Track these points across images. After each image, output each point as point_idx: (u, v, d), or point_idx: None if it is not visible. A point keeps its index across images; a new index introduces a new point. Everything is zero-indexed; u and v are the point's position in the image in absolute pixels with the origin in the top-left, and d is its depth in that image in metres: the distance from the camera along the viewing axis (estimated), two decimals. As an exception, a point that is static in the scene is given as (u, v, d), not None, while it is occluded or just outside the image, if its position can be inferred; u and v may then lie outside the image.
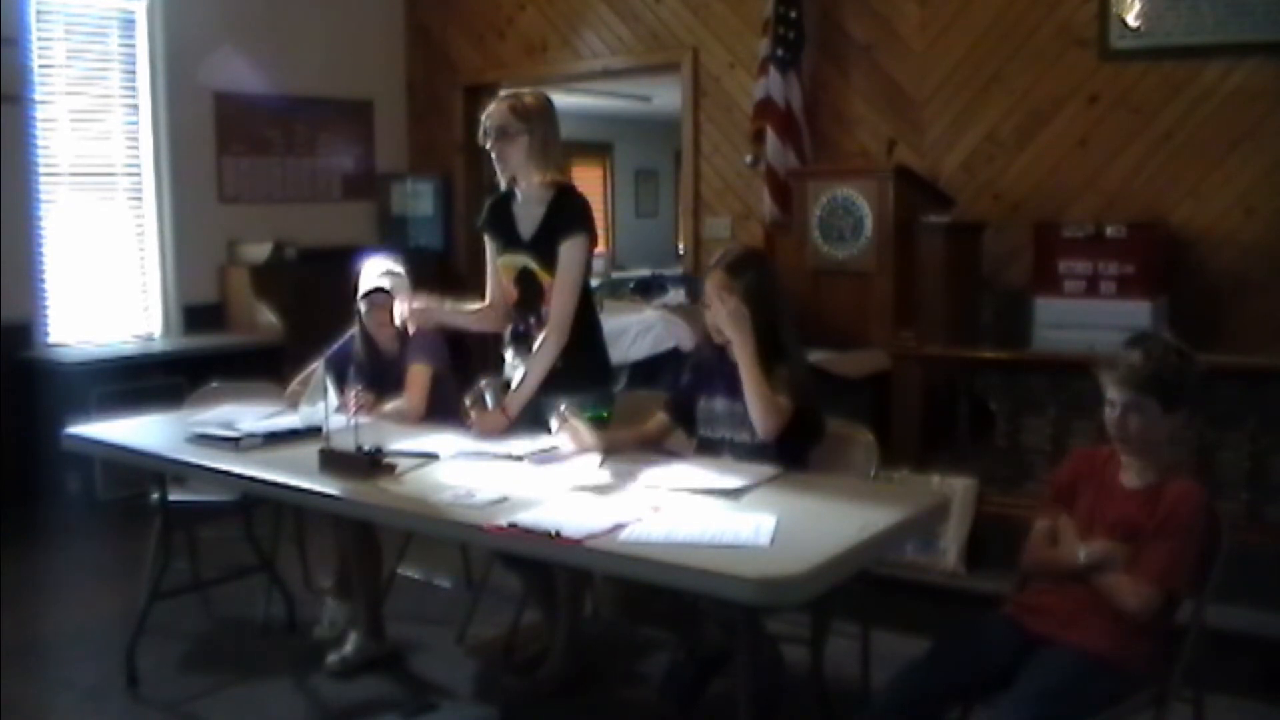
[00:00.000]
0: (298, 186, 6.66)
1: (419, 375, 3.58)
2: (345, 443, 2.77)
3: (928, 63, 5.29)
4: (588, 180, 11.73)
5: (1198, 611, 2.36)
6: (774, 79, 5.37)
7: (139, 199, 6.01)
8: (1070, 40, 4.89)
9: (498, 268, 3.29)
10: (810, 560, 2.08)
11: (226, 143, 6.29)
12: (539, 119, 3.12)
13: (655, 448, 2.97)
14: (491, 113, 3.14)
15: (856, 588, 2.62)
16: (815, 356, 3.10)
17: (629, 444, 2.92)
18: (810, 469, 2.82)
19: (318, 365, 3.36)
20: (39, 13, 5.49)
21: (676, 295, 6.05)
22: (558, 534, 2.23)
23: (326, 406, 2.97)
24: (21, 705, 3.32)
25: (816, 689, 2.87)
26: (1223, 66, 4.56)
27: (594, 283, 3.62)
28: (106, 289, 5.91)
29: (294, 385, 3.62)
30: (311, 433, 3.03)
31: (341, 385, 3.31)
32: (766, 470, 2.67)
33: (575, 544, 2.21)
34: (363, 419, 2.98)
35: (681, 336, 5.18)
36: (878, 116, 5.44)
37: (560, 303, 3.12)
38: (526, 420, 3.13)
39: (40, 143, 5.53)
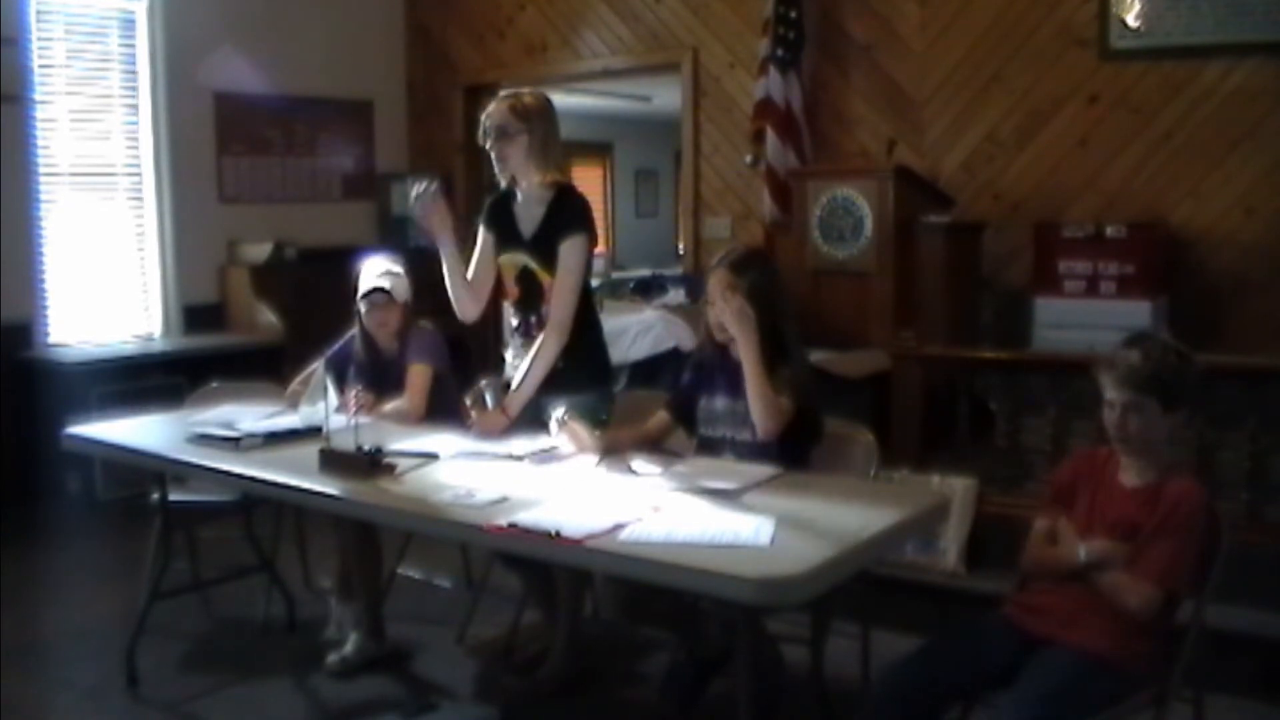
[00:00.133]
0: (298, 186, 6.66)
1: (419, 375, 3.57)
2: (345, 443, 2.77)
3: (928, 63, 5.29)
4: (588, 180, 11.72)
5: (1198, 611, 2.36)
6: (774, 79, 5.37)
7: (139, 199, 6.01)
8: (1070, 40, 4.89)
9: (499, 265, 3.30)
10: (810, 560, 2.08)
11: (226, 143, 6.29)
12: (538, 119, 3.12)
13: (656, 447, 2.97)
14: (491, 112, 3.14)
15: (856, 588, 2.62)
16: (815, 356, 3.10)
17: (629, 444, 2.92)
18: (810, 469, 2.82)
19: (318, 365, 3.36)
20: (39, 13, 5.49)
21: (676, 295, 6.06)
22: (558, 534, 2.23)
23: (326, 406, 2.97)
24: (21, 705, 3.32)
25: (816, 689, 2.87)
26: (1223, 66, 4.56)
27: (594, 283, 3.62)
28: (106, 289, 5.91)
29: (294, 385, 3.62)
30: (311, 433, 3.03)
31: (341, 385, 3.31)
32: (767, 470, 2.67)
33: (575, 544, 2.21)
34: (363, 419, 2.98)
35: (681, 336, 5.18)
36: (878, 116, 5.44)
37: (560, 303, 3.12)
38: (526, 420, 3.13)
39: (40, 143, 5.53)
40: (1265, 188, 4.51)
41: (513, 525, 2.31)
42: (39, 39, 5.50)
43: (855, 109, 5.52)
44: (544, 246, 3.15)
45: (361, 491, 2.65)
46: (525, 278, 3.21)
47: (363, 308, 3.65)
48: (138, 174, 6.00)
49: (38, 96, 5.49)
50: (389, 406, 3.53)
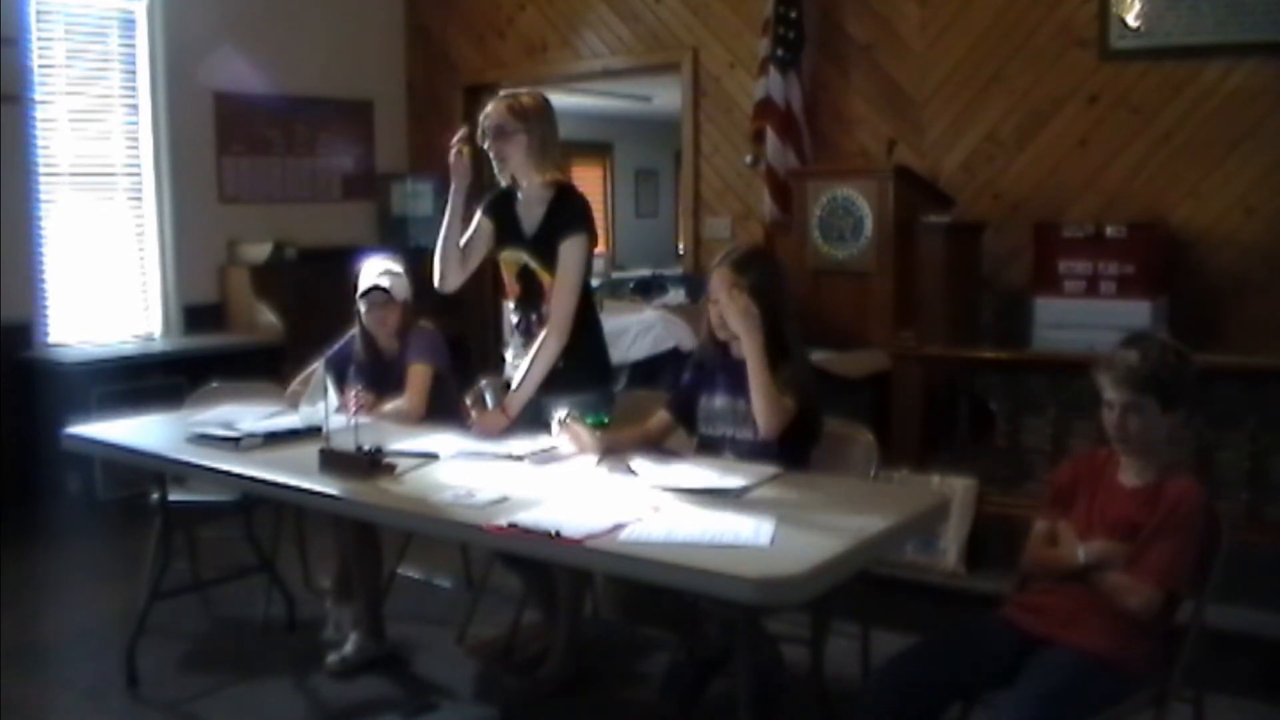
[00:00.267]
0: (298, 186, 6.66)
1: (419, 375, 3.57)
2: (345, 443, 2.77)
3: (928, 63, 5.29)
4: (588, 180, 11.72)
5: (1198, 611, 2.36)
6: (774, 79, 5.37)
7: (139, 199, 6.01)
8: (1070, 40, 4.89)
9: (500, 261, 3.30)
10: (810, 560, 2.08)
11: (226, 143, 6.29)
12: (536, 119, 3.13)
13: (656, 447, 2.97)
14: (489, 112, 3.15)
15: (856, 588, 2.62)
16: (815, 356, 3.10)
17: (630, 444, 2.92)
18: (810, 469, 2.82)
19: (318, 365, 3.37)
20: (39, 13, 5.49)
21: (676, 295, 6.06)
22: (558, 534, 2.23)
23: (326, 406, 2.97)
24: (21, 705, 3.32)
25: (816, 689, 2.87)
26: (1223, 66, 4.56)
27: (594, 283, 3.62)
28: (106, 289, 5.91)
29: (294, 385, 3.62)
30: (311, 433, 3.03)
31: (341, 385, 3.31)
32: (767, 470, 2.67)
33: (575, 544, 2.21)
34: (363, 419, 2.98)
35: (681, 336, 5.17)
36: (878, 116, 5.44)
37: (560, 303, 3.12)
38: (526, 420, 3.14)
39: (40, 143, 5.53)
40: (1265, 188, 4.51)
41: (513, 525, 2.31)
42: (39, 39, 5.50)
43: (855, 109, 5.52)
44: (544, 246, 3.15)
45: (361, 491, 2.65)
46: (525, 276, 3.22)
47: (362, 306, 3.65)
48: (138, 174, 5.99)
49: (38, 96, 5.49)
50: (389, 406, 3.53)
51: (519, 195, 3.22)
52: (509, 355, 3.35)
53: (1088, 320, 4.29)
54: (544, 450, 2.90)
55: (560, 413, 2.93)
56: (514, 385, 3.16)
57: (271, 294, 6.03)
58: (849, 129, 5.55)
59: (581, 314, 3.18)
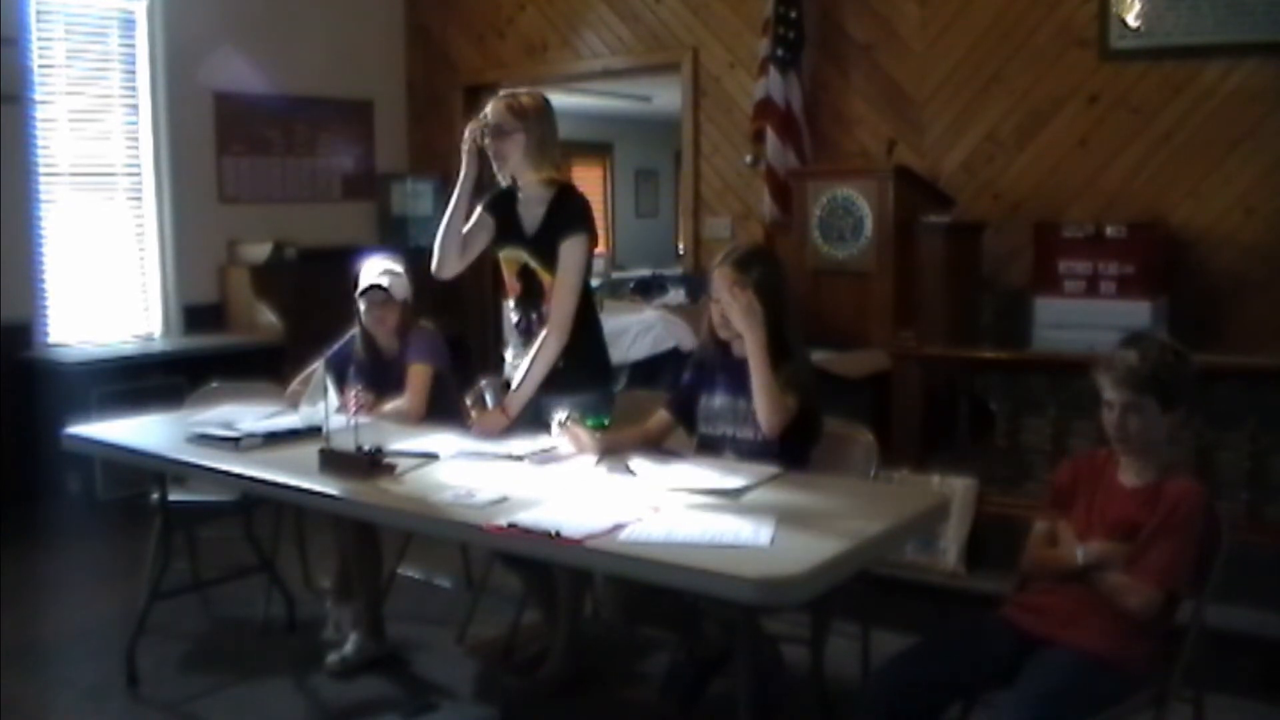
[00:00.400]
0: (298, 186, 6.66)
1: (419, 375, 3.57)
2: (345, 443, 2.77)
3: (928, 63, 5.29)
4: (588, 180, 11.73)
5: (1198, 611, 2.37)
6: (774, 79, 5.37)
7: (139, 199, 6.01)
8: (1070, 40, 4.89)
9: (500, 260, 3.30)
10: (810, 560, 2.08)
11: (226, 143, 6.29)
12: (535, 118, 3.13)
13: (656, 447, 2.97)
14: (489, 111, 3.15)
15: (856, 588, 2.62)
16: (815, 356, 3.10)
17: (630, 444, 2.92)
18: (810, 469, 2.82)
19: (318, 365, 3.36)
20: (39, 13, 5.49)
21: (676, 295, 6.07)
22: (558, 534, 2.23)
23: (326, 406, 2.97)
24: (21, 705, 3.32)
25: (816, 689, 2.87)
26: (1223, 66, 4.56)
27: (594, 283, 3.62)
28: (106, 289, 5.91)
29: (294, 385, 3.62)
30: (311, 433, 3.03)
31: (342, 385, 3.31)
32: (767, 470, 2.67)
33: (575, 544, 2.21)
34: (363, 419, 2.98)
35: (681, 336, 5.18)
36: (878, 116, 5.44)
37: (560, 302, 3.12)
38: (526, 420, 3.14)
39: (40, 143, 5.53)
40: (1265, 188, 4.51)
41: (513, 525, 2.31)
42: (39, 39, 5.50)
43: (855, 109, 5.52)
44: (544, 246, 3.15)
45: (361, 491, 2.65)
46: (526, 275, 3.22)
47: (361, 305, 3.65)
48: (138, 174, 5.99)
49: (38, 96, 5.49)
50: (389, 406, 3.53)
51: (519, 195, 3.23)
52: (509, 355, 3.35)
53: (1088, 320, 4.29)
54: (544, 450, 2.90)
55: (560, 414, 2.93)
56: (514, 385, 3.16)
57: (271, 294, 6.03)
58: (849, 129, 5.55)
59: (581, 314, 3.18)
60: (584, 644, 3.37)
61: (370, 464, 2.72)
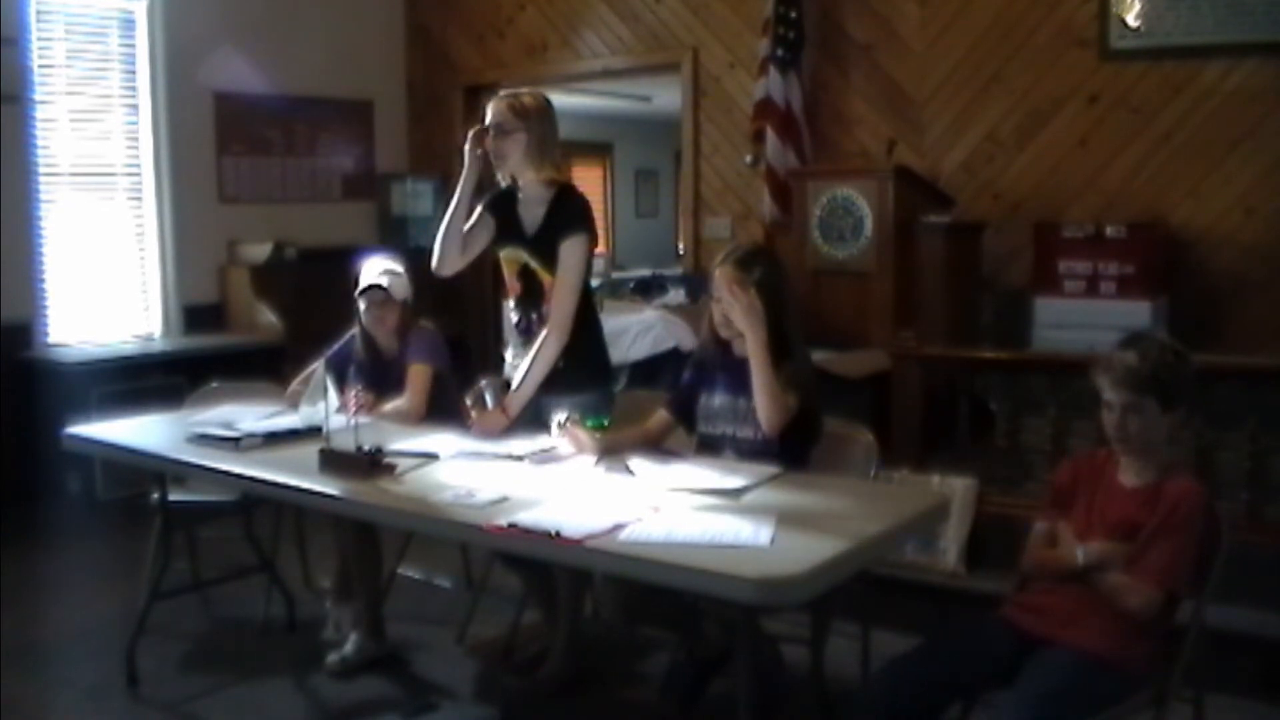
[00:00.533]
0: (298, 186, 6.67)
1: (419, 375, 3.57)
2: (345, 443, 2.77)
3: (928, 63, 5.29)
4: (588, 180, 11.73)
5: (1198, 611, 2.37)
6: (774, 79, 5.37)
7: (139, 199, 6.01)
8: (1070, 40, 4.89)
9: (500, 260, 3.30)
10: (810, 560, 2.08)
11: (226, 143, 6.29)
12: (536, 118, 3.13)
13: (656, 447, 2.97)
14: (490, 110, 3.15)
15: (856, 588, 2.62)
16: (815, 356, 3.10)
17: (630, 444, 2.92)
18: (810, 469, 2.82)
19: (318, 365, 3.36)
20: (39, 13, 5.49)
21: (676, 295, 6.06)
22: (558, 534, 2.23)
23: (326, 406, 2.97)
24: (21, 705, 3.32)
25: (816, 689, 2.87)
26: (1223, 66, 4.56)
27: (594, 283, 3.62)
28: (106, 289, 5.91)
29: (294, 385, 3.61)
30: (311, 433, 3.03)
31: (342, 385, 3.31)
32: (767, 470, 2.67)
33: (575, 544, 2.21)
34: (363, 419, 2.98)
35: (681, 336, 5.18)
36: (878, 116, 5.44)
37: (560, 303, 3.12)
38: (526, 420, 3.13)
39: (40, 143, 5.53)
40: (1265, 188, 4.51)
41: (513, 525, 2.31)
42: (39, 39, 5.50)
43: (855, 109, 5.52)
44: (544, 246, 3.15)
45: (361, 491, 2.65)
46: (526, 275, 3.22)
47: (361, 305, 3.65)
48: (138, 174, 5.99)
49: (38, 96, 5.49)
50: (389, 406, 3.53)
51: (519, 195, 3.23)
52: (509, 355, 3.35)
53: (1088, 320, 4.29)
54: (544, 450, 2.90)
55: (560, 415, 2.93)
56: (514, 385, 3.16)
57: (271, 294, 6.03)
58: (849, 129, 5.55)
59: (582, 314, 3.18)
60: (584, 644, 3.37)
61: (370, 464, 2.72)
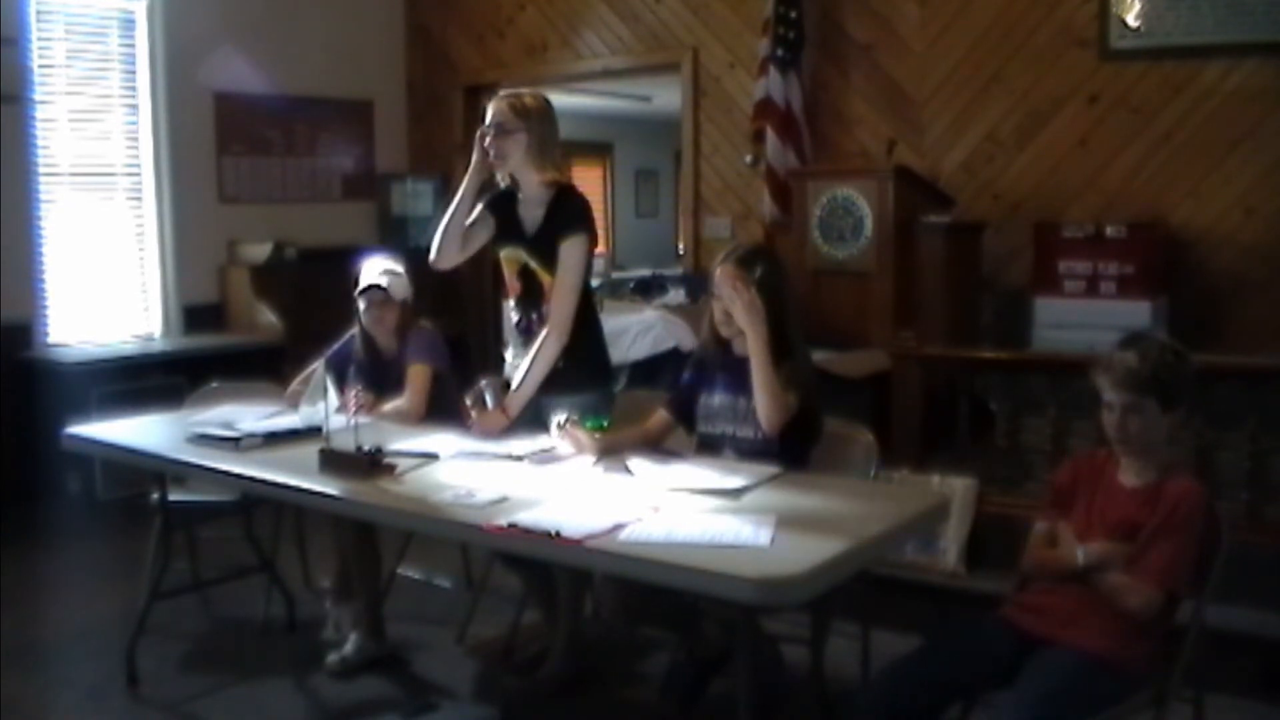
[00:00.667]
0: (298, 186, 6.66)
1: (419, 375, 3.57)
2: (345, 443, 2.77)
3: (928, 63, 5.29)
4: (588, 180, 11.72)
5: (1198, 611, 2.37)
6: (774, 79, 5.37)
7: (139, 199, 6.01)
8: (1070, 40, 4.89)
9: (500, 259, 3.30)
10: (810, 560, 2.08)
11: (226, 143, 6.29)
12: (538, 118, 3.13)
13: (656, 446, 2.97)
14: (491, 109, 3.15)
15: (856, 588, 2.62)
16: (815, 356, 3.10)
17: (630, 444, 2.92)
18: (810, 469, 2.82)
19: (318, 365, 3.36)
20: (39, 13, 5.49)
21: (676, 295, 6.07)
22: (558, 534, 2.23)
23: (326, 406, 2.97)
24: (21, 705, 3.32)
25: (816, 689, 2.87)
26: (1223, 66, 4.56)
27: (594, 283, 3.62)
28: (106, 289, 5.91)
29: (294, 385, 3.61)
30: (311, 433, 3.03)
31: (342, 385, 3.31)
32: (767, 470, 2.67)
33: (575, 544, 2.21)
34: (363, 419, 2.98)
35: (681, 336, 5.18)
36: (878, 116, 5.44)
37: (560, 303, 3.12)
38: (526, 420, 3.14)
39: (40, 143, 5.52)
40: (1265, 188, 4.51)
41: (513, 525, 2.31)
42: (39, 39, 5.50)
43: (855, 109, 5.52)
44: (544, 246, 3.15)
45: (361, 491, 2.65)
46: (526, 275, 3.22)
47: (360, 305, 3.65)
48: (138, 174, 5.99)
49: (38, 96, 5.49)
50: (389, 406, 3.53)
51: (520, 195, 3.23)
52: (509, 355, 3.35)
53: (1088, 320, 4.29)
54: (544, 450, 2.90)
55: (560, 416, 2.93)
56: (514, 385, 3.16)
57: (271, 294, 6.03)
58: (849, 129, 5.55)
59: (582, 314, 3.18)
60: (584, 644, 3.37)
61: (370, 464, 2.72)
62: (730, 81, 5.90)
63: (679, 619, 2.82)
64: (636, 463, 2.75)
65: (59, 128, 5.64)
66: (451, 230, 3.22)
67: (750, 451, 2.83)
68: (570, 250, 3.11)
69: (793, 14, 5.35)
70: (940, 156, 5.27)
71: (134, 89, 5.94)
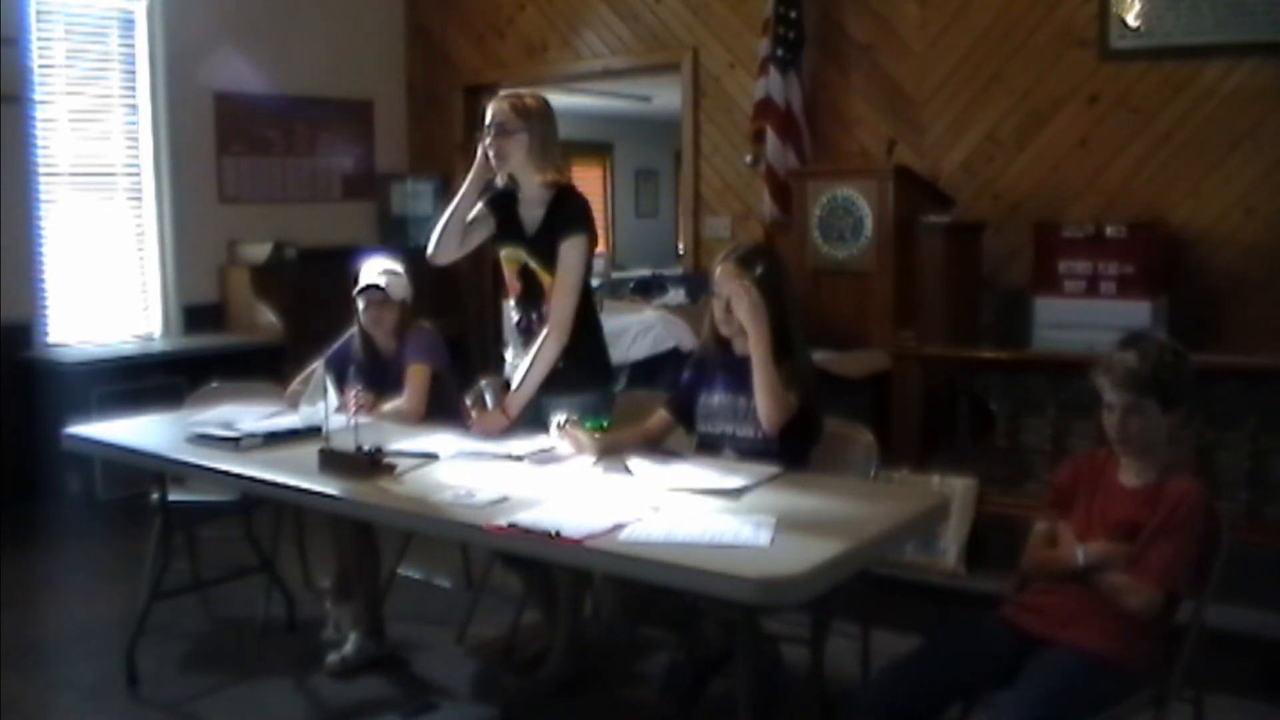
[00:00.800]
0: (298, 186, 6.67)
1: (419, 375, 3.57)
2: (345, 443, 2.77)
3: (928, 63, 5.29)
4: (588, 180, 11.72)
5: (1198, 611, 2.37)
6: (774, 79, 5.37)
7: (139, 199, 6.01)
8: (1070, 40, 4.89)
9: (500, 259, 3.30)
10: (810, 560, 2.08)
11: (226, 143, 6.29)
12: (539, 119, 3.13)
13: (656, 446, 2.97)
14: (491, 109, 3.15)
15: (856, 588, 2.62)
16: (816, 356, 3.10)
17: (630, 444, 2.92)
18: (810, 469, 2.82)
19: (318, 365, 3.36)
20: (39, 13, 5.49)
21: (676, 295, 6.06)
22: (558, 534, 2.23)
23: (326, 406, 2.97)
24: (21, 705, 3.32)
25: (816, 689, 2.87)
26: (1223, 66, 4.56)
27: (594, 283, 3.62)
28: (106, 289, 5.91)
29: (294, 385, 3.61)
30: (311, 433, 3.03)
31: (341, 385, 3.31)
32: (767, 470, 2.67)
33: (575, 544, 2.21)
34: (363, 419, 2.98)
35: (681, 336, 5.18)
36: (878, 116, 5.44)
37: (560, 303, 3.12)
38: (526, 420, 3.13)
39: (40, 143, 5.53)
40: (1265, 188, 4.51)
41: (513, 525, 2.31)
42: (39, 39, 5.50)
43: (855, 109, 5.52)
44: (544, 246, 3.15)
45: (361, 491, 2.65)
46: (526, 275, 3.22)
47: (359, 304, 3.65)
48: (137, 174, 5.99)
49: (38, 96, 5.49)
50: (389, 406, 3.53)
51: (520, 195, 3.23)
52: (509, 355, 3.35)
53: (1088, 320, 4.30)
54: (544, 450, 2.90)
55: (559, 416, 2.93)
56: (514, 385, 3.16)
57: (271, 294, 6.03)
58: (849, 129, 5.55)
59: (582, 314, 3.18)
60: (584, 644, 3.37)
61: (370, 464, 2.72)
62: (730, 81, 5.90)
63: (679, 619, 2.82)
64: (636, 463, 2.75)
65: (59, 128, 5.64)
66: (451, 226, 3.22)
67: (750, 451, 2.83)
68: (570, 250, 3.11)
69: (793, 14, 5.35)
70: (940, 156, 5.27)
71: (134, 89, 5.94)
